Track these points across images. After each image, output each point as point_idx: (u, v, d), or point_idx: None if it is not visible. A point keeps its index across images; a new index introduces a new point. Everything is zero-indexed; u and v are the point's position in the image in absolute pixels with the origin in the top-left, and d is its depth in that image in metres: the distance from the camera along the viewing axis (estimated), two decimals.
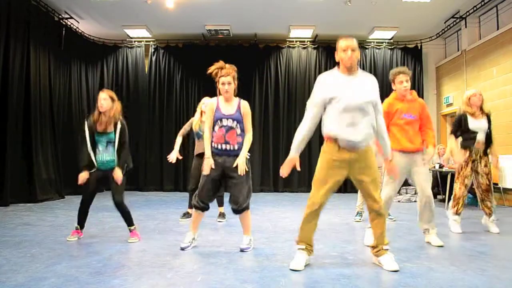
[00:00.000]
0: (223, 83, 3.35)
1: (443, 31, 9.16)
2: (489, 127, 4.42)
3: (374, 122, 2.89)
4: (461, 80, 8.71)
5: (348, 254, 3.31)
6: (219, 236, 4.04)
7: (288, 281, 2.58)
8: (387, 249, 2.95)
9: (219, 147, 3.33)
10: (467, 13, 8.11)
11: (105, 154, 3.74)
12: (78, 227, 3.87)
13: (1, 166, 6.30)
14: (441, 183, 7.65)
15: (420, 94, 9.72)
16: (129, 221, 3.84)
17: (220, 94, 3.43)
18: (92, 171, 3.76)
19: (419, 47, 9.85)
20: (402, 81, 3.67)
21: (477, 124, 4.35)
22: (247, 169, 3.35)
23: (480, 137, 4.37)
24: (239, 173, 3.27)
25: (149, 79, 9.81)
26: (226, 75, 3.35)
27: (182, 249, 3.39)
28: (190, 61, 9.70)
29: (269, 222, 4.97)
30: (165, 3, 7.43)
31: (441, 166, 7.35)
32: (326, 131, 2.88)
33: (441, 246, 3.61)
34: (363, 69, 9.64)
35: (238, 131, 3.35)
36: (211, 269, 2.82)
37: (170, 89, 9.82)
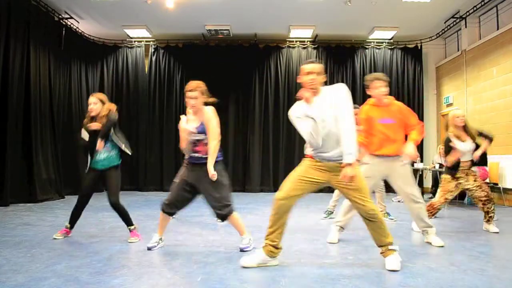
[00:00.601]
0: (190, 97, 3.36)
1: (443, 31, 9.16)
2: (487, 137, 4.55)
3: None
4: (461, 80, 8.72)
5: (348, 254, 3.31)
6: (219, 236, 4.04)
7: (288, 281, 2.58)
8: (393, 249, 2.91)
9: (194, 155, 3.38)
10: (467, 13, 8.11)
11: (103, 151, 3.78)
12: (69, 226, 3.92)
13: (1, 166, 6.30)
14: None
15: (420, 94, 9.75)
16: (127, 221, 3.87)
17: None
18: (86, 171, 3.83)
19: (419, 47, 9.85)
20: (379, 86, 3.70)
21: (462, 146, 4.39)
22: (218, 178, 3.32)
23: (465, 158, 4.42)
24: (210, 177, 3.25)
25: (149, 79, 9.80)
26: (193, 90, 3.34)
27: (149, 248, 3.39)
28: (190, 61, 9.71)
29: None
30: (165, 3, 7.43)
31: (441, 166, 7.35)
32: (308, 152, 3.02)
33: (442, 246, 3.62)
34: (363, 69, 9.70)
35: (206, 141, 3.36)
36: (211, 269, 2.82)
37: (170, 89, 9.82)
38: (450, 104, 9.25)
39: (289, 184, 2.91)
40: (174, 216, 5.02)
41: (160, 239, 3.51)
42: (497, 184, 7.11)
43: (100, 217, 5.15)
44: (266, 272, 2.77)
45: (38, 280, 2.53)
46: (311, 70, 2.83)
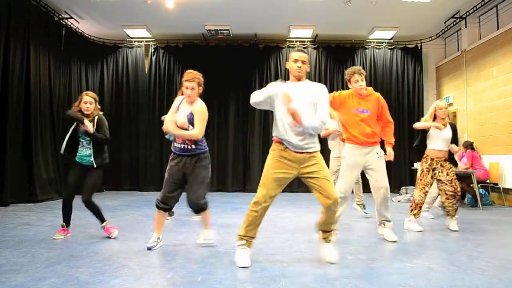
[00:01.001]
0: (186, 87, 3.41)
1: (443, 31, 9.16)
2: (454, 137, 4.61)
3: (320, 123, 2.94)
4: (461, 80, 8.72)
5: (348, 254, 3.31)
6: (219, 236, 4.03)
7: (288, 281, 2.58)
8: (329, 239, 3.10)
9: (179, 146, 3.41)
10: (467, 13, 8.11)
11: (87, 148, 3.90)
12: (64, 224, 3.95)
13: (1, 166, 6.30)
14: None
15: (420, 94, 9.74)
16: (99, 218, 3.95)
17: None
18: (72, 161, 3.94)
19: (419, 47, 9.84)
20: (357, 80, 3.85)
21: (438, 133, 4.51)
22: (205, 171, 3.44)
23: (440, 146, 4.52)
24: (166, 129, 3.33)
25: (149, 79, 9.80)
26: (190, 80, 3.40)
27: (149, 248, 3.39)
28: (190, 61, 9.64)
29: (269, 222, 4.96)
30: (165, 3, 7.43)
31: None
32: (274, 133, 3.03)
33: (395, 242, 3.77)
34: (363, 69, 9.68)
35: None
36: (211, 269, 2.82)
37: (170, 89, 9.81)
38: (450, 104, 9.24)
39: (267, 186, 2.93)
40: (171, 215, 5.05)
41: (159, 238, 3.51)
42: (497, 184, 7.11)
43: None
44: (266, 272, 2.77)
45: (38, 280, 2.53)
46: (299, 58, 2.99)
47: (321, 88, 3.06)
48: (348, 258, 3.20)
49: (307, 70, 3.04)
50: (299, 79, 3.03)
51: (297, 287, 2.48)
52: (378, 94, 4.00)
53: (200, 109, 3.40)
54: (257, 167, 9.51)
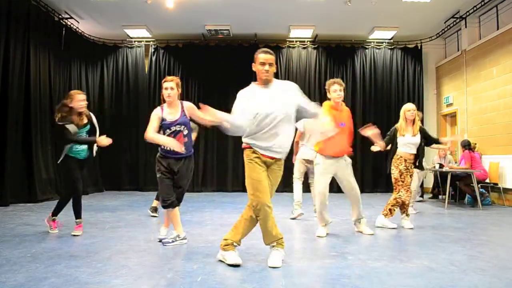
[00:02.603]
0: (166, 88, 3.51)
1: (443, 31, 9.16)
2: (426, 142, 4.69)
3: (294, 129, 2.98)
4: (461, 80, 8.72)
5: (348, 254, 3.31)
6: (219, 236, 4.03)
7: (288, 281, 2.58)
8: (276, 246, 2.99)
9: (171, 149, 3.45)
10: (467, 13, 8.11)
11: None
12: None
13: (1, 166, 6.30)
14: (441, 183, 7.64)
15: (420, 94, 9.74)
16: (78, 214, 4.08)
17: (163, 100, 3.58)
18: (62, 159, 4.04)
19: (419, 47, 9.84)
20: (336, 90, 3.93)
21: (408, 139, 4.57)
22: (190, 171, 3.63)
23: (411, 150, 4.59)
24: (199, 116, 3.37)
25: (149, 79, 9.80)
26: (169, 81, 3.52)
27: (160, 241, 3.59)
28: (190, 61, 9.70)
29: None
30: (165, 3, 7.43)
31: (441, 166, 7.35)
32: (245, 140, 2.96)
33: (372, 234, 4.03)
34: (363, 69, 9.70)
35: (185, 132, 3.55)
36: (211, 269, 2.82)
37: None
38: (450, 104, 9.25)
39: (266, 186, 2.92)
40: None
41: (178, 236, 3.61)
42: (497, 184, 7.10)
43: (100, 217, 5.15)
44: (266, 272, 2.77)
45: (38, 280, 2.53)
46: (266, 61, 2.83)
47: (292, 86, 2.97)
48: (348, 258, 3.20)
49: (274, 72, 2.89)
50: (266, 82, 2.88)
51: (297, 287, 2.48)
52: (348, 109, 4.17)
53: (192, 107, 3.56)
54: None
